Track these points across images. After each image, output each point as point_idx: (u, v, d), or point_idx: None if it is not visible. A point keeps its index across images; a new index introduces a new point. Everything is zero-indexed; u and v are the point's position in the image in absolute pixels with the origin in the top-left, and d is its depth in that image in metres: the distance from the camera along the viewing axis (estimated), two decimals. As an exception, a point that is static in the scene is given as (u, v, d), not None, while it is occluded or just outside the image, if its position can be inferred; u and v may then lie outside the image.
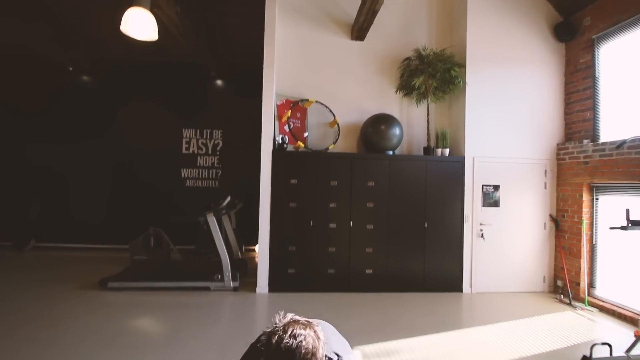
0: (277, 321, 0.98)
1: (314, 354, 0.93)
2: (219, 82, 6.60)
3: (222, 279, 4.18)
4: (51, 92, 6.40)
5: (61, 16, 5.43)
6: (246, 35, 5.76)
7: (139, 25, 3.45)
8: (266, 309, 3.77)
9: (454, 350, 2.90)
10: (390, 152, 4.48)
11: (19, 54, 6.25)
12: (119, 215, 6.37)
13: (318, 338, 0.97)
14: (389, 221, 4.33)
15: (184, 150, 6.55)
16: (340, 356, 1.12)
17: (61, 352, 2.64)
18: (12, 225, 6.20)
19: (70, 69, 6.28)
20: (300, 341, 0.93)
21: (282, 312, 1.02)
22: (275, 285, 4.20)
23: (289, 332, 0.95)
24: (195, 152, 6.56)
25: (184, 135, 6.56)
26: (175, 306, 3.69)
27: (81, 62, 6.30)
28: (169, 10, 4.09)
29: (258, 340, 1.12)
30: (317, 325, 1.01)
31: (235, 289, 4.22)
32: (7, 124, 6.35)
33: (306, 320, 1.00)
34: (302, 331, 0.95)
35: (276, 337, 0.94)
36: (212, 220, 4.21)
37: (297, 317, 1.01)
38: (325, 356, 1.04)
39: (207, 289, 4.20)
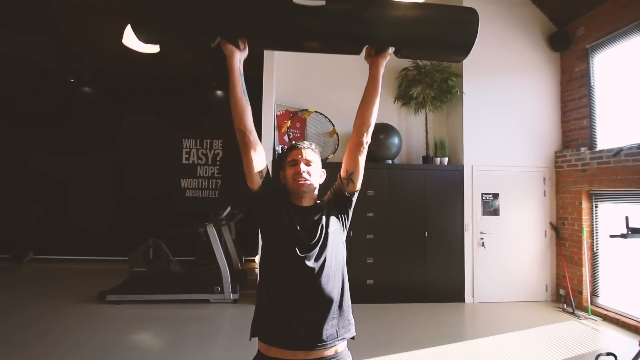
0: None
1: (315, 145, 1.37)
2: (219, 92, 6.66)
3: (222, 291, 4.15)
4: (52, 103, 6.43)
5: (63, 28, 5.49)
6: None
7: (140, 38, 3.49)
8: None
9: (457, 361, 2.87)
10: (389, 162, 4.50)
11: (22, 65, 6.30)
12: (118, 226, 6.34)
13: (319, 149, 1.39)
14: (389, 231, 4.32)
15: (184, 161, 6.56)
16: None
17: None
18: (11, 237, 6.16)
19: (72, 80, 6.33)
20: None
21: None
22: (276, 296, 4.15)
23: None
24: (195, 162, 6.58)
25: (184, 146, 6.58)
26: (174, 319, 3.65)
27: (83, 73, 6.35)
28: (169, 23, 4.14)
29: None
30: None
31: (235, 301, 4.18)
32: (8, 135, 6.35)
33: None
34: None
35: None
36: (211, 231, 4.20)
37: None
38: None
39: (207, 301, 4.16)
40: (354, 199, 1.36)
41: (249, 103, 1.26)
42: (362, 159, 1.31)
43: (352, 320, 1.30)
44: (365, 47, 1.24)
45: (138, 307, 3.95)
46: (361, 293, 4.24)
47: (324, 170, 1.36)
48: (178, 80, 6.56)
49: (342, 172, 1.33)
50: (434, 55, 1.40)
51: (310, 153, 1.30)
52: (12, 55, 5.92)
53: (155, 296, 4.10)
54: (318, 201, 1.37)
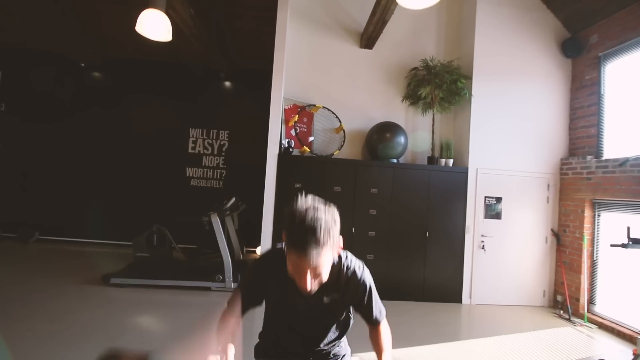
0: (299, 202, 1.06)
1: (328, 231, 1.01)
2: (227, 83, 6.69)
3: (224, 280, 4.21)
4: (61, 87, 6.48)
5: (76, 13, 5.52)
6: (256, 39, 5.83)
7: (154, 26, 3.52)
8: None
9: (452, 360, 2.92)
10: (395, 160, 4.52)
11: (34, 48, 6.35)
12: (122, 211, 6.42)
13: (334, 220, 1.05)
14: (391, 229, 4.36)
15: (189, 150, 6.61)
16: (349, 259, 1.23)
17: (62, 346, 2.67)
18: (17, 217, 6.26)
19: (83, 64, 6.38)
20: (320, 218, 1.01)
21: (303, 194, 1.10)
22: (276, 287, 4.22)
23: (310, 213, 1.02)
24: (201, 151, 6.63)
25: (191, 135, 6.62)
26: (176, 305, 3.73)
27: (94, 58, 6.40)
28: (183, 12, 4.17)
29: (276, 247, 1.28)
30: (335, 209, 1.10)
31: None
32: (15, 120, 6.42)
33: (326, 201, 1.10)
34: (322, 214, 1.03)
35: (297, 216, 1.02)
36: (215, 221, 4.25)
37: (317, 198, 1.10)
38: (339, 256, 1.18)
39: (208, 289, 4.23)
40: None
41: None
42: None
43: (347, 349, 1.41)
44: None
45: (140, 290, 4.03)
46: (360, 289, 4.29)
47: (340, 237, 1.10)
48: (187, 69, 6.59)
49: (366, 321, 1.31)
50: None
51: (324, 258, 1.01)
52: (24, 39, 5.97)
53: (157, 281, 4.17)
54: (335, 263, 1.18)
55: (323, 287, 1.11)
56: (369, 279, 1.25)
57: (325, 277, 1.07)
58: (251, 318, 1.31)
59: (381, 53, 4.83)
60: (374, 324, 1.29)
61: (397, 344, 3.07)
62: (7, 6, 4.84)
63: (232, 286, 4.21)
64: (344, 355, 1.39)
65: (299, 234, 0.99)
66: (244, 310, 1.20)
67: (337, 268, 1.18)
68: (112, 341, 2.79)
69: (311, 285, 1.03)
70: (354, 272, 1.21)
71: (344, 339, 1.41)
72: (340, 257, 1.19)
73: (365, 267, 1.27)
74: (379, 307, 1.28)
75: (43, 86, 6.44)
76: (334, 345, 1.34)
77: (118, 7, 5.24)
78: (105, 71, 6.56)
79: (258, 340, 1.40)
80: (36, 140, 6.39)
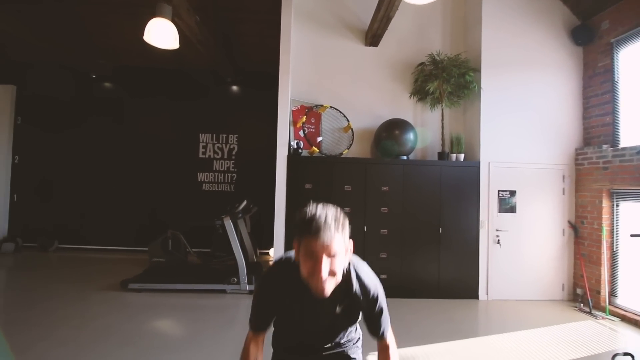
0: (309, 207, 1.07)
1: (339, 221, 1.04)
2: (234, 87, 6.75)
3: (238, 282, 4.26)
4: (74, 99, 6.64)
5: (86, 25, 5.66)
6: (261, 41, 5.88)
7: (162, 34, 3.58)
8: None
9: (471, 358, 2.88)
10: (404, 157, 4.49)
11: (45, 61, 6.53)
12: (138, 218, 6.54)
13: (344, 217, 1.08)
14: (403, 226, 4.34)
15: (200, 155, 6.70)
16: (360, 266, 1.21)
17: (81, 349, 2.74)
18: (37, 227, 6.44)
19: (94, 76, 6.52)
20: (330, 212, 1.04)
21: (313, 203, 1.09)
22: (290, 288, 4.23)
23: (320, 209, 1.04)
24: (212, 156, 6.70)
25: (201, 140, 6.71)
26: (192, 308, 3.78)
27: (104, 69, 6.55)
28: (188, 19, 4.22)
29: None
30: (344, 213, 1.11)
31: (250, 292, 4.28)
32: (32, 132, 6.61)
33: (335, 206, 1.10)
34: (332, 210, 1.06)
35: (308, 213, 1.04)
36: (228, 224, 4.30)
37: (327, 204, 1.09)
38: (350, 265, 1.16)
39: (224, 291, 4.28)
40: None
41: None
42: None
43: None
44: None
45: (158, 295, 4.10)
46: (374, 287, 4.28)
47: (350, 241, 1.09)
48: (195, 75, 6.68)
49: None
50: None
51: (337, 242, 1.01)
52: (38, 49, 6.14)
53: (174, 285, 4.24)
54: (345, 271, 1.15)
55: (335, 293, 1.09)
56: (380, 289, 1.22)
57: (339, 273, 1.05)
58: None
59: (387, 50, 4.81)
60: (379, 338, 1.24)
61: (415, 342, 3.08)
62: (17, 22, 4.98)
63: (247, 288, 4.26)
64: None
65: (312, 222, 1.00)
66: (263, 328, 1.20)
67: (349, 276, 1.15)
68: (132, 344, 2.84)
69: (326, 275, 1.00)
70: (366, 278, 1.19)
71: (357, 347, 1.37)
72: (351, 264, 1.17)
73: (376, 277, 1.25)
74: (387, 319, 1.24)
75: (57, 98, 6.61)
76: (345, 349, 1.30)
77: (125, 18, 5.35)
78: (116, 81, 6.69)
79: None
80: (52, 152, 6.56)
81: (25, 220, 6.49)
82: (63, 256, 6.03)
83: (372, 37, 4.57)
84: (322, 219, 1.00)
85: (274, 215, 4.32)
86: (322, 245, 0.98)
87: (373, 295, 1.18)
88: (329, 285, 1.03)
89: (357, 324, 1.34)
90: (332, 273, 1.02)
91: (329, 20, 4.81)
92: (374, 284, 1.19)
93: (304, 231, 1.01)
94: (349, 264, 1.15)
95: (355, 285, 1.16)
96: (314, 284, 1.02)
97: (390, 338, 1.26)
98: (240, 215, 4.77)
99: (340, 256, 1.03)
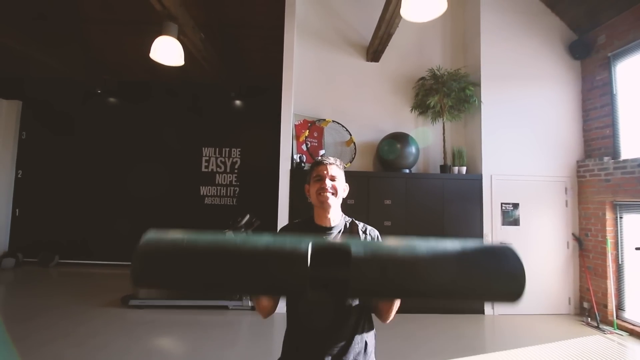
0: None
1: (337, 160, 1.39)
2: (237, 102, 6.83)
3: (240, 298, 4.21)
4: (79, 114, 6.72)
5: (91, 43, 5.78)
6: (265, 56, 5.98)
7: (167, 52, 3.66)
8: (283, 329, 3.75)
9: (478, 374, 2.83)
10: (407, 171, 4.51)
11: (51, 77, 6.63)
12: (140, 233, 6.49)
13: (342, 163, 1.41)
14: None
15: (203, 169, 6.72)
16: (357, 223, 1.40)
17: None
18: (39, 242, 6.41)
19: (99, 91, 6.62)
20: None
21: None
22: (293, 303, 4.19)
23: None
24: (214, 170, 6.72)
25: (204, 154, 6.74)
26: (194, 325, 3.73)
27: (109, 84, 6.64)
28: (193, 36, 4.31)
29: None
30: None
31: (252, 308, 4.23)
32: (36, 148, 6.66)
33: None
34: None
35: (318, 159, 1.39)
36: (231, 238, 4.27)
37: None
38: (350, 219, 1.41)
39: (226, 307, 4.23)
40: None
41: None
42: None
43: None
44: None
45: (159, 312, 4.05)
46: (378, 302, 4.22)
47: (347, 184, 1.41)
48: (199, 90, 6.76)
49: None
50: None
51: (335, 169, 1.35)
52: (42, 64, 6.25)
53: (175, 302, 4.19)
54: (347, 219, 1.40)
55: (337, 227, 1.35)
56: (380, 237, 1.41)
57: (339, 194, 1.33)
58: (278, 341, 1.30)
59: (388, 65, 4.89)
60: None
61: (424, 359, 3.01)
62: (24, 37, 5.09)
63: (249, 304, 4.20)
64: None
65: (320, 158, 1.37)
66: None
67: (355, 226, 1.38)
68: (134, 363, 2.79)
69: (331, 187, 1.30)
70: (369, 227, 1.41)
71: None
72: (356, 221, 1.40)
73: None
74: None
75: (62, 113, 6.68)
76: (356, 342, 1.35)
77: (131, 34, 5.46)
78: (121, 96, 6.77)
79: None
80: (55, 166, 6.59)
81: (26, 235, 6.47)
82: (63, 271, 5.98)
83: (374, 53, 4.66)
84: (326, 158, 1.38)
85: (276, 229, 4.30)
86: (325, 168, 1.33)
87: (377, 238, 1.42)
88: (332, 200, 1.31)
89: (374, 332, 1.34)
90: (333, 189, 1.32)
91: (331, 36, 4.91)
92: (376, 232, 1.43)
93: (314, 163, 1.38)
94: (354, 220, 1.40)
95: (361, 230, 1.39)
96: (321, 198, 1.31)
97: None
98: (242, 229, 4.75)
99: (339, 181, 1.34)
